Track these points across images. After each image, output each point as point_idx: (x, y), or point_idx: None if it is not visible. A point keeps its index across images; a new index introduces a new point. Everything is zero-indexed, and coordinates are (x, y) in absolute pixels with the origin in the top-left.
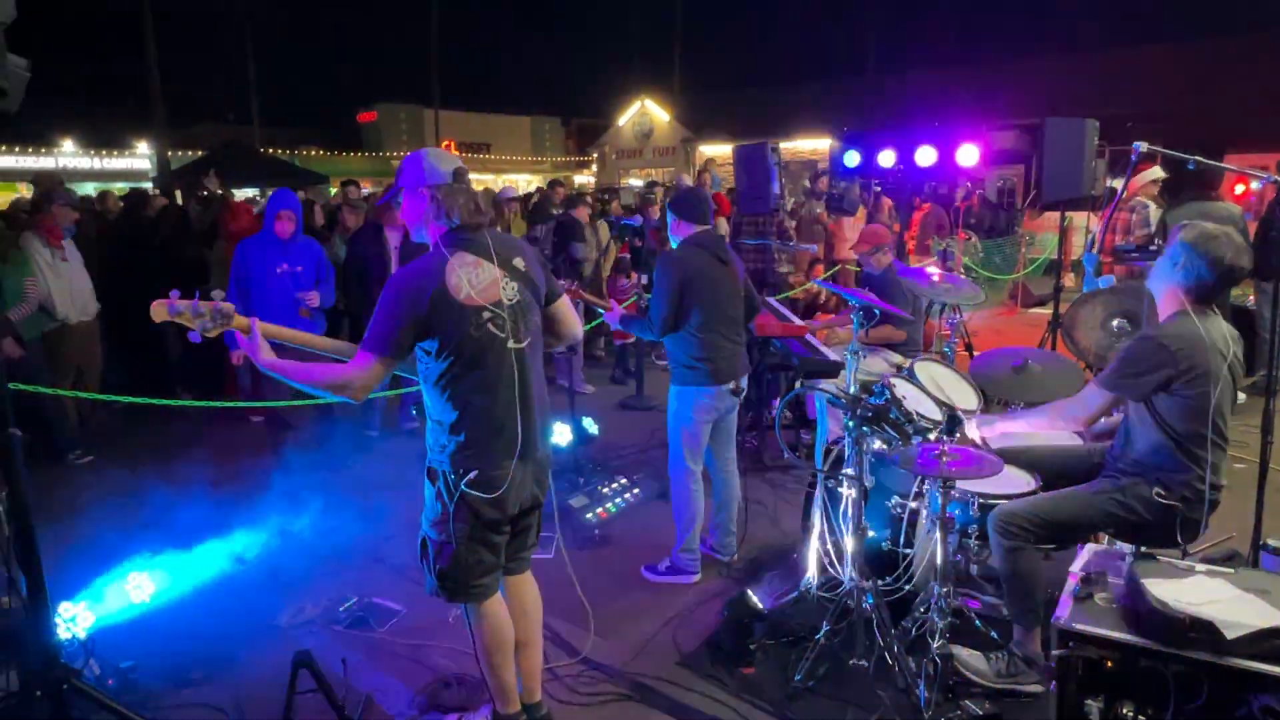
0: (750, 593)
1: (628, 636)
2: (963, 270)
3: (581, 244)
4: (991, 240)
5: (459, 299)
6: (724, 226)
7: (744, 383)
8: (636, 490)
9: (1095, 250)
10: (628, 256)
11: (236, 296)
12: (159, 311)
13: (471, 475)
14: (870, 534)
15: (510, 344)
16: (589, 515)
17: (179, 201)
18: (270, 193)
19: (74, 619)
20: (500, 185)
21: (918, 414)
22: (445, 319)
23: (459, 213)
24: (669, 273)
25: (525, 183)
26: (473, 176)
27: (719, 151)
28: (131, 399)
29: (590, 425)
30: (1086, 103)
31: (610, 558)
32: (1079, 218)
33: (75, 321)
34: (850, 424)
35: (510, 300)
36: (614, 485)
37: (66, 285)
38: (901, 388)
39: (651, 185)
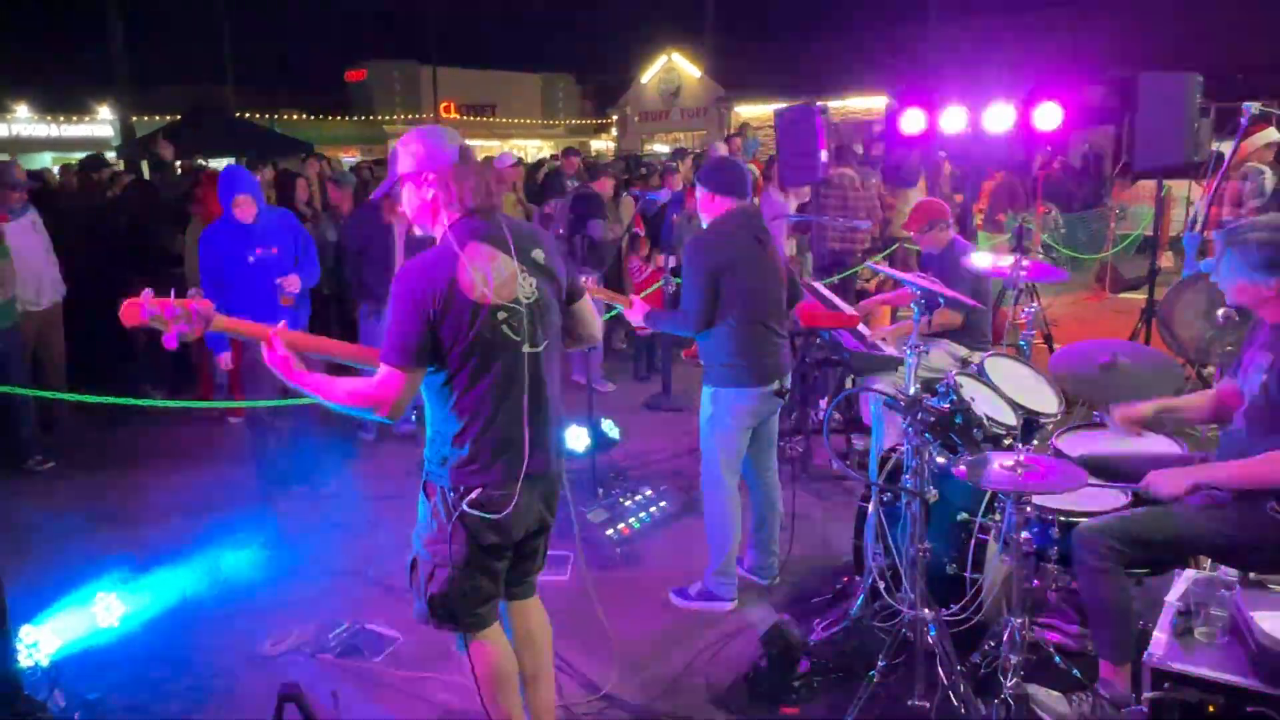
0: (794, 621)
1: (654, 671)
2: (1040, 250)
3: (601, 221)
4: (1075, 214)
5: (471, 296)
6: (788, 199)
7: (788, 382)
8: (663, 503)
9: (1198, 229)
10: (641, 232)
11: (211, 293)
12: (130, 314)
13: (474, 494)
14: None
15: (526, 348)
16: (610, 531)
17: (145, 175)
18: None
19: (36, 644)
20: (504, 152)
21: (988, 418)
22: (455, 318)
23: (470, 195)
24: (701, 258)
25: (535, 149)
26: (477, 143)
27: (757, 112)
28: (97, 399)
29: (611, 429)
30: (1189, 53)
31: (634, 580)
32: (1179, 187)
33: (22, 310)
34: (910, 430)
35: (528, 298)
36: (637, 497)
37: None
38: (970, 388)
39: (679, 153)
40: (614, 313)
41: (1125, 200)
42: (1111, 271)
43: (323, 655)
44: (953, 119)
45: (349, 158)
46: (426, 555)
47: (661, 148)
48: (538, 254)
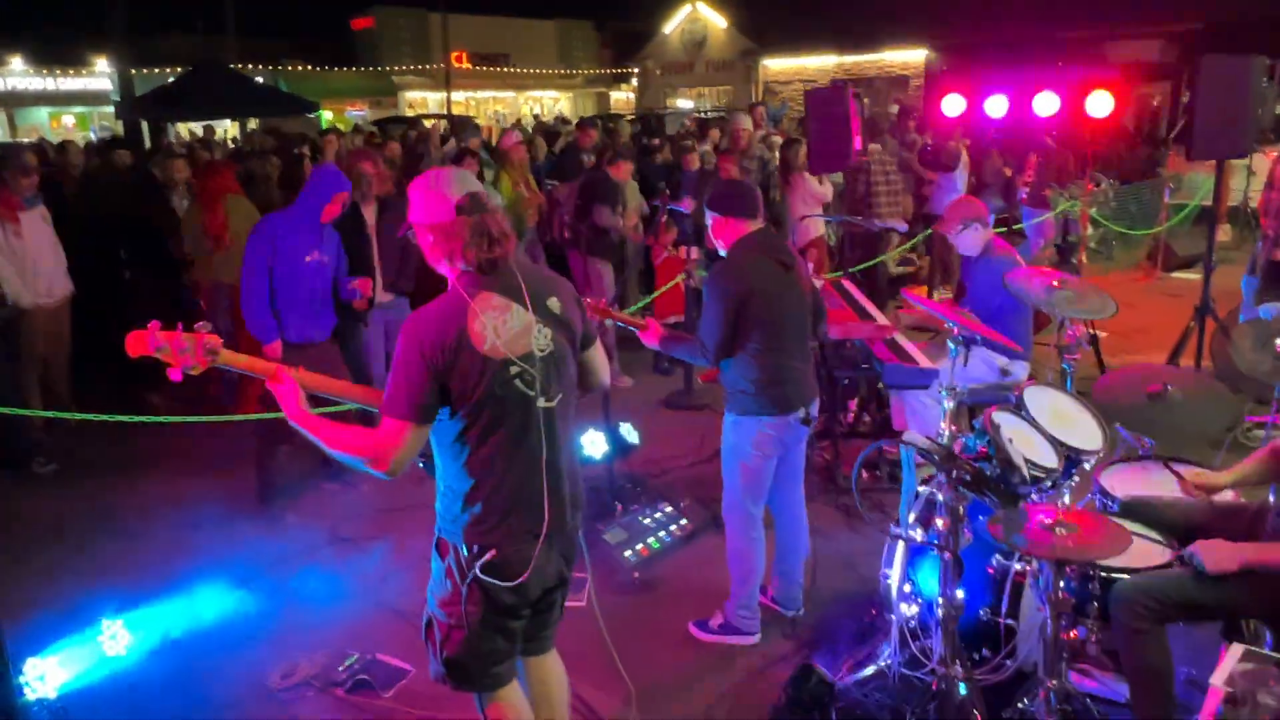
0: (818, 665)
1: (671, 711)
2: (1089, 226)
3: (610, 208)
4: (1127, 185)
5: (482, 350)
6: (821, 185)
7: (814, 410)
8: (684, 521)
9: (1257, 269)
10: (664, 219)
11: (257, 288)
12: (137, 344)
13: (489, 556)
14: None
15: (540, 403)
16: (627, 553)
17: (145, 137)
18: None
19: (42, 677)
20: (523, 104)
21: (1027, 461)
22: (465, 373)
23: (466, 254)
24: (723, 289)
25: (551, 101)
26: (489, 94)
27: (786, 66)
28: (89, 416)
29: (629, 433)
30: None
31: (652, 608)
32: None
33: (29, 305)
34: (943, 483)
35: (542, 351)
36: (657, 514)
37: (19, 265)
38: (1008, 426)
39: (702, 127)
40: (642, 304)
41: (1180, 169)
42: (1164, 249)
43: (333, 690)
44: (995, 105)
45: (356, 111)
46: (441, 616)
47: (685, 103)
48: (553, 303)
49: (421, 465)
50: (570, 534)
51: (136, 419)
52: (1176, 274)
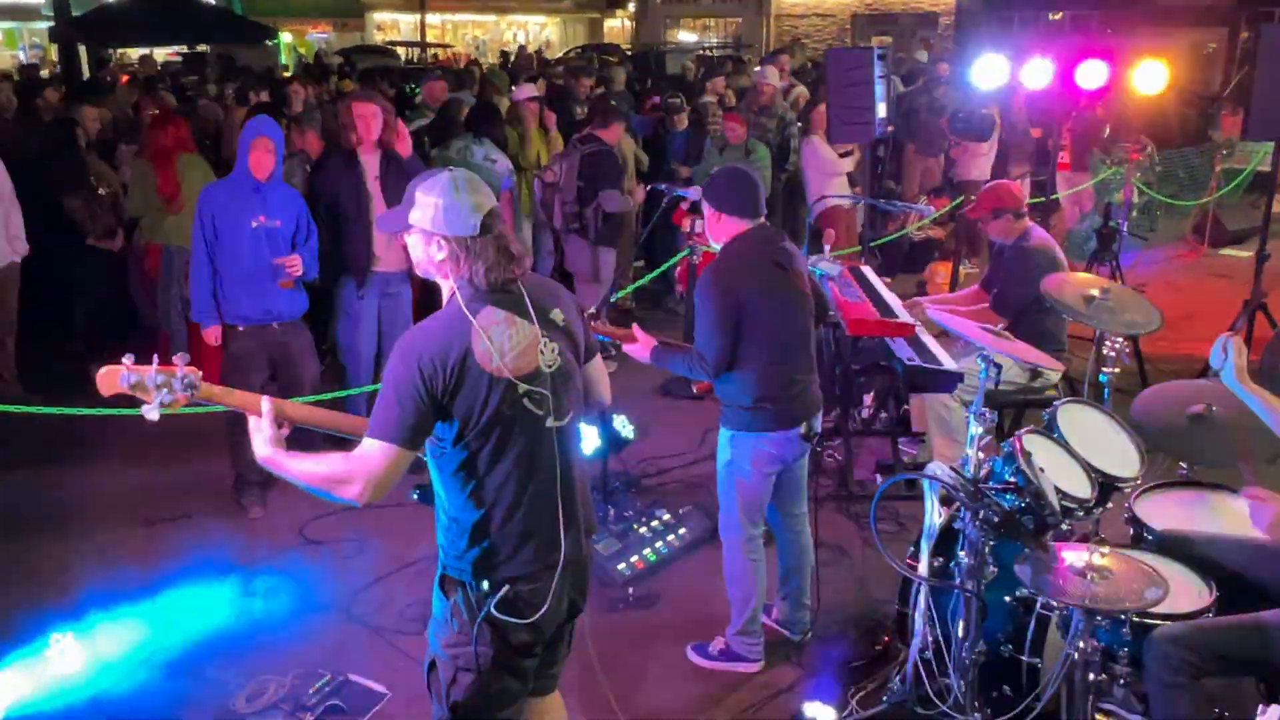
0: (824, 705)
1: None
2: (1137, 194)
3: (618, 192)
4: (1175, 150)
5: (488, 369)
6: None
7: (817, 424)
8: (683, 530)
9: None
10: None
11: (197, 270)
12: (108, 381)
13: (503, 592)
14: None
15: (550, 422)
16: (621, 566)
17: (84, 66)
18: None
19: None
20: (505, 29)
21: (1059, 492)
22: (469, 394)
23: (484, 276)
24: (717, 295)
25: (537, 26)
26: (468, 18)
27: None
28: (42, 410)
29: (624, 426)
30: None
31: (646, 628)
32: None
33: None
34: (967, 521)
35: (550, 366)
36: (653, 523)
37: None
38: (1040, 451)
39: (711, 72)
40: (635, 285)
41: (1234, 134)
42: (1212, 222)
43: (302, 715)
44: (1034, 72)
45: (319, 34)
46: (446, 657)
47: (688, 36)
48: (557, 314)
49: (416, 497)
50: (584, 562)
51: (81, 411)
52: (1226, 251)
